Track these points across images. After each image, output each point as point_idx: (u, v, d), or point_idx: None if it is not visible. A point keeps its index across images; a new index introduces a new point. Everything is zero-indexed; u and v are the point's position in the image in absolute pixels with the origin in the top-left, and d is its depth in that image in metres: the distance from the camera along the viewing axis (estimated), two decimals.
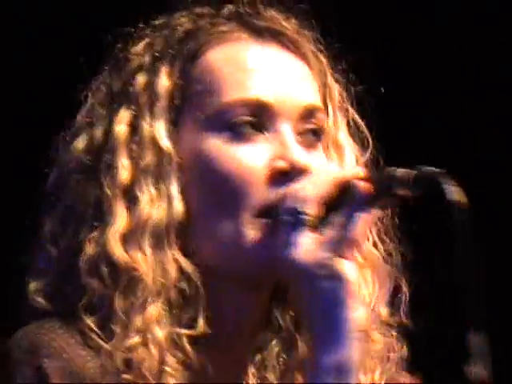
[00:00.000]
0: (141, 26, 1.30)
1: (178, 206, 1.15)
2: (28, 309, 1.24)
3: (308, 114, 1.21)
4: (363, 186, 1.10)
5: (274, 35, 1.22)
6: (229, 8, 1.26)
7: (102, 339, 1.14)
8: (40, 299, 1.21)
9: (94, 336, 1.14)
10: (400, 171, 1.10)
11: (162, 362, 1.12)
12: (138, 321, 1.12)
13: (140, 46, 1.26)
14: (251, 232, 1.16)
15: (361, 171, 1.14)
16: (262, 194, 1.16)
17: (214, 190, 1.16)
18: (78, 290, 1.16)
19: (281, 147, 1.17)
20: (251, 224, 1.16)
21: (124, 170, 1.16)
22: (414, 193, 1.10)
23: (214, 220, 1.15)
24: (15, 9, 3.37)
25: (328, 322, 1.07)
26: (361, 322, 1.08)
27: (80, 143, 1.24)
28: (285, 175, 1.16)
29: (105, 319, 1.15)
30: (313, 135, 1.22)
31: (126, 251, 1.13)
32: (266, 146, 1.18)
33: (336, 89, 1.28)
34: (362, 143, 1.33)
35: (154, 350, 1.11)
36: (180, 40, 1.23)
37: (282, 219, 1.11)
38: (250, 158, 1.17)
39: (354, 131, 1.32)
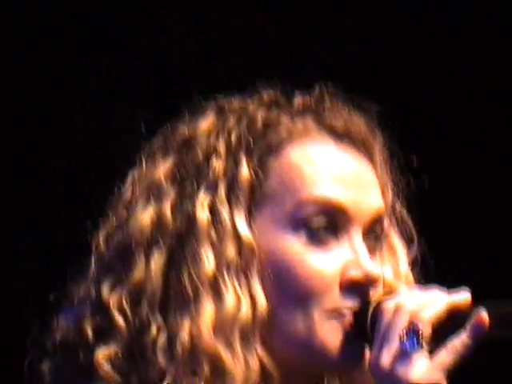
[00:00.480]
0: (199, 99, 1.29)
1: (263, 303, 1.16)
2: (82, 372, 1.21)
3: (377, 218, 1.23)
4: (483, 317, 1.09)
5: (350, 137, 1.23)
6: (302, 100, 1.26)
7: None
8: (108, 367, 1.17)
9: None
10: None
11: None
12: None
13: (207, 126, 1.24)
14: (322, 332, 1.18)
15: (468, 298, 1.14)
16: (334, 298, 1.18)
17: (290, 290, 1.17)
18: (152, 370, 1.15)
19: (353, 254, 1.19)
20: (322, 325, 1.18)
21: (208, 260, 1.15)
22: None
23: (289, 318, 1.17)
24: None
25: None
26: None
27: (146, 215, 1.19)
28: (357, 283, 1.18)
29: None
30: (374, 239, 1.24)
31: (215, 344, 1.13)
32: (340, 251, 1.19)
33: (389, 187, 1.30)
34: (406, 239, 1.34)
35: None
36: (259, 131, 1.22)
37: (400, 336, 1.11)
38: (325, 265, 1.18)
39: (401, 228, 1.33)
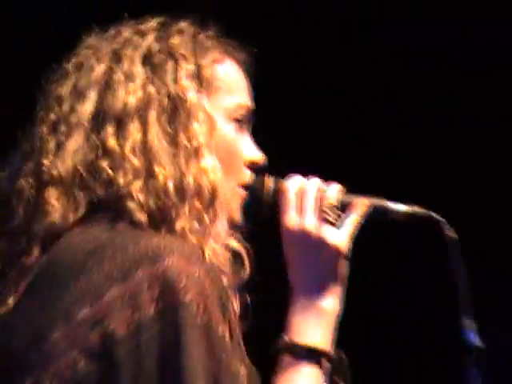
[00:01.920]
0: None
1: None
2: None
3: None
4: (365, 203, 1.37)
5: (239, 58, 1.49)
6: (211, 30, 1.47)
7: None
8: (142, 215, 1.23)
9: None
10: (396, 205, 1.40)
11: None
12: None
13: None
14: (234, 200, 1.39)
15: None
16: (244, 174, 1.42)
17: (224, 159, 1.35)
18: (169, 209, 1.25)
19: (250, 142, 1.46)
20: (235, 194, 1.40)
21: (197, 130, 1.36)
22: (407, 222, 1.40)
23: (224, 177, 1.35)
24: None
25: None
26: None
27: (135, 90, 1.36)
28: (256, 164, 1.43)
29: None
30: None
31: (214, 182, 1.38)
32: (247, 140, 1.44)
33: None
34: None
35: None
36: (202, 49, 1.41)
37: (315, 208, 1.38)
38: (243, 148, 1.41)
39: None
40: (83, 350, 1.10)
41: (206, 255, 1.22)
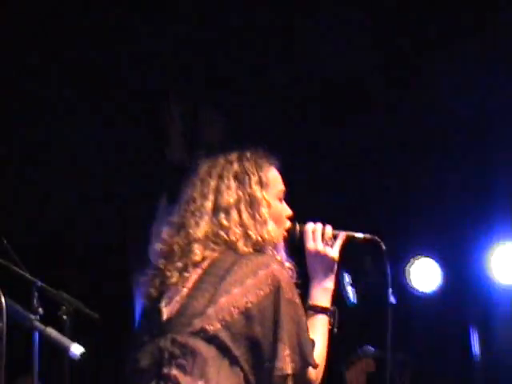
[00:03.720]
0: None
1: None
2: None
3: None
4: (344, 235, 2.56)
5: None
6: (261, 152, 2.54)
7: None
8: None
9: None
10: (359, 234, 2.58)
11: None
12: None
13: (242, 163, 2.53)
14: (280, 237, 2.52)
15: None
16: (285, 223, 2.55)
17: (277, 219, 2.49)
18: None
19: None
20: (280, 234, 2.52)
21: (264, 212, 2.49)
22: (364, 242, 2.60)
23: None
24: None
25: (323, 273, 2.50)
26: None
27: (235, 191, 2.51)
28: (291, 217, 2.56)
29: None
30: None
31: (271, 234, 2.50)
32: (285, 205, 2.56)
33: None
34: None
35: None
36: (260, 164, 2.53)
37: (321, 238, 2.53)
38: (284, 210, 2.54)
39: None
40: (236, 307, 2.20)
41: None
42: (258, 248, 2.34)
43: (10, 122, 4.92)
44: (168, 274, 2.31)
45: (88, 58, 5.23)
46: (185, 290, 2.26)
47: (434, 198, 5.82)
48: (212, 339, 2.16)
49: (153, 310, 2.30)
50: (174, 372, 2.16)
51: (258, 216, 2.37)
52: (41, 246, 4.60)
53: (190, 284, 2.27)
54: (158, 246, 2.40)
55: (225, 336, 2.15)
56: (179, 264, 2.30)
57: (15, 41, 4.84)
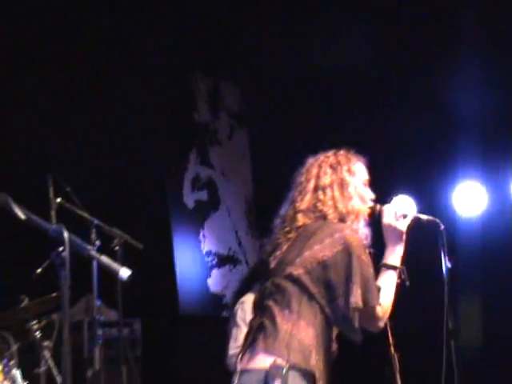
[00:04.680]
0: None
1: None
2: None
3: None
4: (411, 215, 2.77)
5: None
6: (348, 150, 2.83)
7: None
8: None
9: None
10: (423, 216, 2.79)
11: None
12: None
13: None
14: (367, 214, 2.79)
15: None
16: (369, 203, 2.79)
17: (361, 198, 2.75)
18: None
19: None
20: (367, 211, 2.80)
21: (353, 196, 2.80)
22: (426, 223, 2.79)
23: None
24: None
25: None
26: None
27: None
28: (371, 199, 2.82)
29: None
30: None
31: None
32: (368, 189, 2.81)
33: None
34: None
35: None
36: (349, 158, 2.82)
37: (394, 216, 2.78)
38: (368, 192, 2.77)
39: None
40: (315, 259, 2.52)
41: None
42: (342, 218, 2.66)
43: None
44: (278, 236, 2.70)
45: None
46: (285, 247, 2.65)
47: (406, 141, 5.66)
48: (296, 281, 2.53)
49: (265, 261, 2.72)
50: (270, 303, 2.56)
51: (345, 194, 2.70)
52: (99, 190, 4.65)
53: (289, 243, 2.65)
54: (276, 219, 2.88)
55: (305, 278, 2.52)
56: (287, 228, 2.69)
57: None
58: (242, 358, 2.62)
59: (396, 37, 5.43)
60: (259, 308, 2.66)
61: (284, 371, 2.42)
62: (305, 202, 2.71)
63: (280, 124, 6.00)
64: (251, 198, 6.12)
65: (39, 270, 2.93)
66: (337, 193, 2.70)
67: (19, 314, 3.79)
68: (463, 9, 5.11)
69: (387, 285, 2.64)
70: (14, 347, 3.73)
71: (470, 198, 5.16)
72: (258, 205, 6.12)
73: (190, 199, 5.64)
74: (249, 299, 4.20)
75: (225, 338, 4.18)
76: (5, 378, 3.55)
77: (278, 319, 2.51)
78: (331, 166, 2.78)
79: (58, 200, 3.49)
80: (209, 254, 5.69)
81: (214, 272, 5.68)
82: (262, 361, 2.48)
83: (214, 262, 5.71)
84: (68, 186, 3.54)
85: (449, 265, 2.94)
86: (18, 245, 2.81)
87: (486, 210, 5.21)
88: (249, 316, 3.92)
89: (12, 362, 3.64)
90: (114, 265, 2.29)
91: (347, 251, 2.52)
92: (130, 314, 4.35)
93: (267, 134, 6.05)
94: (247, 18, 5.50)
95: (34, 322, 3.81)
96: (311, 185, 2.74)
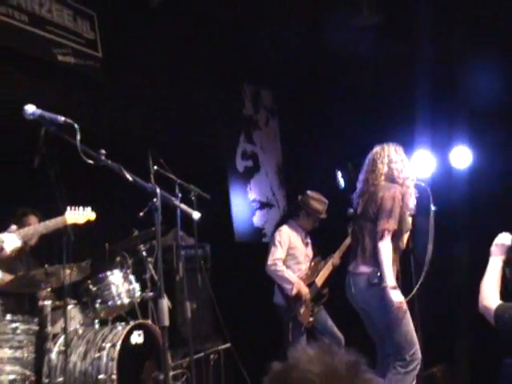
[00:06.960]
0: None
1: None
2: None
3: None
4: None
5: None
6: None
7: None
8: None
9: None
10: None
11: None
12: None
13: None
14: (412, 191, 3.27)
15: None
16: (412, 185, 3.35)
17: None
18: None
19: None
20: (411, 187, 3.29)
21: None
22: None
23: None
24: None
25: None
26: None
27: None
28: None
29: None
30: None
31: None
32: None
33: None
34: None
35: None
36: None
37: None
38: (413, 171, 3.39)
39: None
40: (375, 202, 3.08)
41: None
42: (396, 181, 3.14)
43: None
44: (364, 192, 3.22)
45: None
46: (366, 199, 3.18)
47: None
48: (369, 217, 3.12)
49: (356, 210, 3.23)
50: (358, 235, 3.16)
51: (397, 167, 3.16)
52: (181, 161, 4.67)
53: (367, 195, 3.18)
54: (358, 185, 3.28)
55: (372, 214, 3.10)
56: (371, 189, 3.17)
57: None
58: (350, 265, 3.12)
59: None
60: (355, 237, 3.17)
61: (378, 274, 2.94)
62: (378, 172, 3.16)
63: (300, 116, 6.01)
64: (280, 164, 6.17)
65: (142, 213, 3.04)
66: (393, 166, 3.16)
67: (132, 241, 3.90)
68: None
69: None
70: (130, 261, 3.79)
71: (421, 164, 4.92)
72: (285, 169, 6.16)
73: (240, 166, 5.69)
74: (283, 228, 4.27)
75: (263, 256, 4.24)
76: (125, 281, 3.64)
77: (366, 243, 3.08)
78: (387, 158, 3.17)
79: (155, 168, 3.53)
80: (254, 200, 5.74)
81: (257, 213, 5.74)
82: (363, 268, 3.05)
83: (257, 206, 5.76)
84: (161, 158, 3.59)
85: (434, 208, 3.14)
86: (130, 196, 2.92)
87: (434, 173, 4.91)
88: (283, 239, 3.94)
89: (129, 271, 3.69)
90: (190, 209, 2.32)
91: (388, 197, 3.06)
92: (202, 240, 4.43)
93: (291, 123, 6.06)
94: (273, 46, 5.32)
95: (142, 245, 3.88)
96: (380, 162, 3.22)
